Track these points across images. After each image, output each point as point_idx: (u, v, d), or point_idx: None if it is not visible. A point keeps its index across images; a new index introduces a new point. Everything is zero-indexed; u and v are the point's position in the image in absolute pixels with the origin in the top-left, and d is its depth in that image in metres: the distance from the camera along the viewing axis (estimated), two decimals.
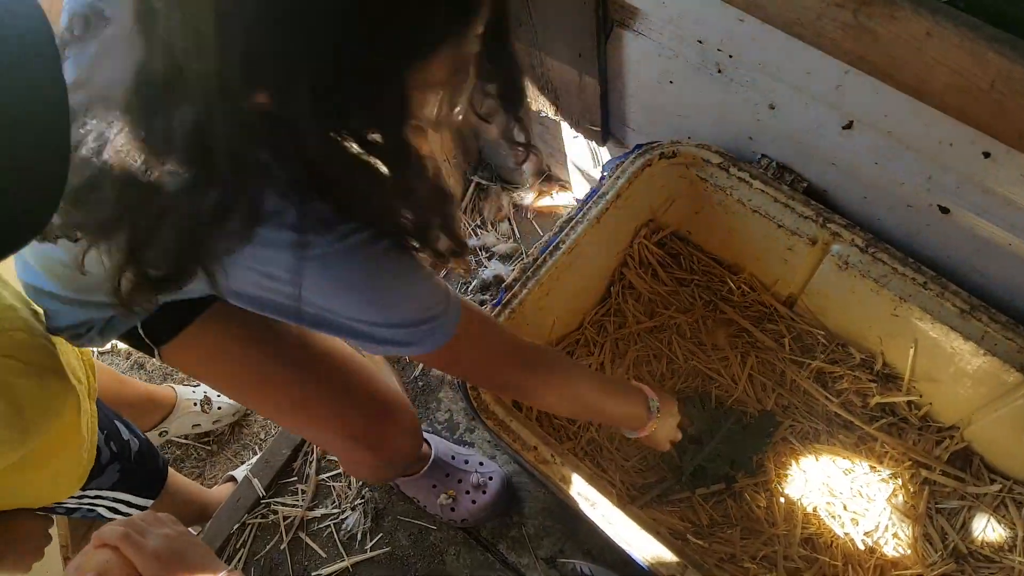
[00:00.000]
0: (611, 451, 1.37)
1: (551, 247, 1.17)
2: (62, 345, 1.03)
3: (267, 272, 0.69)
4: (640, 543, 0.99)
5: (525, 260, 1.19)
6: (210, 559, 0.82)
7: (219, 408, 1.86)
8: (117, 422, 1.32)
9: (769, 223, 1.17)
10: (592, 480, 1.08)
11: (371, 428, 1.16)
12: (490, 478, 1.51)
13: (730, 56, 1.08)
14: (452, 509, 1.50)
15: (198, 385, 1.86)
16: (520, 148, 0.78)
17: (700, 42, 1.09)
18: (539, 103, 1.45)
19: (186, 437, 1.88)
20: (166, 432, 1.80)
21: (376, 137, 0.61)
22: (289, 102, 0.55)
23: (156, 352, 1.07)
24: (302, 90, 0.54)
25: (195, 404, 1.81)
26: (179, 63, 0.54)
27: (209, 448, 1.93)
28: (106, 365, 1.69)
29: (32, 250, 0.91)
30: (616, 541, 1.00)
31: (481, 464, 1.53)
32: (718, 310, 1.38)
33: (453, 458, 1.53)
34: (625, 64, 1.23)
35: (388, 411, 1.19)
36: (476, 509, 1.49)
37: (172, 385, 1.82)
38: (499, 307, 1.17)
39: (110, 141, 0.59)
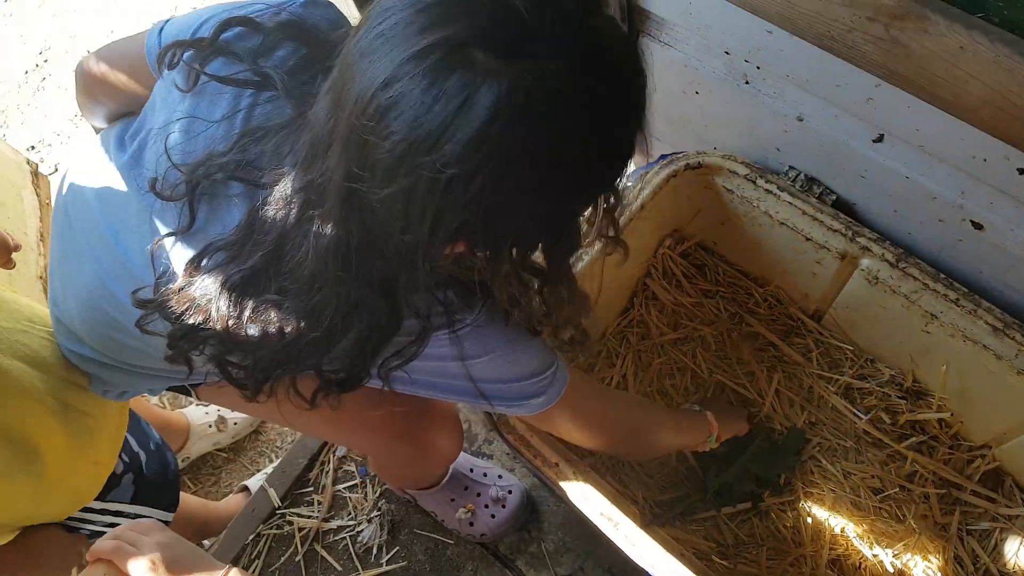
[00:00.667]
0: (633, 466, 1.38)
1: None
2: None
3: (432, 354, 0.78)
4: (664, 565, 0.99)
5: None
6: (207, 560, 0.84)
7: (235, 424, 1.86)
8: (127, 434, 1.34)
9: (797, 236, 1.17)
10: (614, 498, 1.09)
11: (413, 424, 1.17)
12: (509, 492, 1.52)
13: (758, 68, 1.08)
14: (470, 524, 1.51)
15: (208, 404, 1.86)
16: (611, 241, 0.83)
17: (727, 53, 1.10)
18: None
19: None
20: (188, 458, 1.82)
21: (541, 262, 0.71)
22: (485, 252, 0.65)
23: (192, 391, 1.10)
24: (503, 245, 0.64)
25: (210, 426, 1.82)
26: (378, 234, 0.64)
27: (225, 455, 1.95)
28: None
29: (88, 327, 0.95)
30: (639, 563, 1.01)
31: (500, 477, 1.54)
32: (744, 323, 1.39)
33: (471, 471, 1.54)
34: (650, 74, 1.23)
35: (428, 407, 1.20)
36: (495, 524, 1.49)
37: (182, 411, 1.83)
38: None
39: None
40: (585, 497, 1.05)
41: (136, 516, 1.34)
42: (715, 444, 1.23)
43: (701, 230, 1.35)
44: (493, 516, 1.50)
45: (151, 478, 1.35)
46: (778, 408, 1.36)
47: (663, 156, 1.24)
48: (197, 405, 1.88)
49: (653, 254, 1.36)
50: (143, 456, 1.34)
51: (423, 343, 0.76)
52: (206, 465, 1.97)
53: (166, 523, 1.41)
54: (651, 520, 1.30)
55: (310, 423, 1.19)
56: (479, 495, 1.52)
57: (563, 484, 1.08)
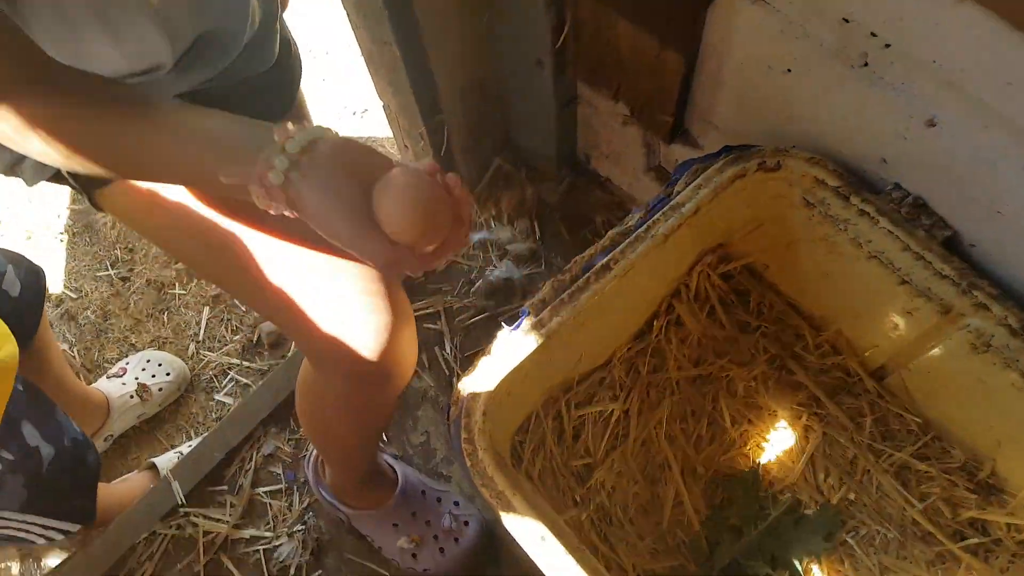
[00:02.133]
0: (623, 523, 1.07)
1: (598, 266, 0.86)
2: None
3: None
4: None
5: (559, 277, 0.88)
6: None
7: (160, 389, 1.58)
8: (24, 424, 1.02)
9: (890, 275, 0.87)
10: (594, 569, 0.80)
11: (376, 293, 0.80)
12: (465, 523, 1.21)
13: (887, 45, 0.77)
14: (413, 556, 1.20)
15: (123, 374, 1.55)
16: None
17: (846, 21, 0.78)
18: (595, 76, 1.13)
19: None
20: (111, 435, 1.53)
21: None
22: None
23: (89, 197, 0.78)
24: None
25: (132, 396, 1.54)
26: None
27: (137, 426, 1.61)
28: (59, 346, 1.39)
29: None
30: None
31: (456, 505, 1.23)
32: (785, 369, 1.08)
33: (423, 493, 1.23)
34: (729, 40, 0.91)
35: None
36: (444, 561, 1.19)
37: (97, 386, 1.53)
38: (517, 330, 0.86)
39: None
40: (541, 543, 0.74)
41: (28, 527, 1.05)
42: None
43: (755, 249, 1.03)
44: (442, 551, 1.20)
45: (52, 481, 1.04)
46: (810, 478, 1.06)
47: (727, 149, 0.93)
48: (110, 378, 1.56)
49: (688, 270, 1.04)
50: (46, 451, 1.03)
51: None
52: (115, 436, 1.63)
53: (69, 534, 1.12)
54: None
55: (239, 274, 0.79)
56: (428, 523, 1.21)
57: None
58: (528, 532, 0.78)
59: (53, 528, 1.12)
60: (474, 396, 0.84)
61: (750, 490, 1.07)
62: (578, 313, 0.85)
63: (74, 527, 1.16)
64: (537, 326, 0.85)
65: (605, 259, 0.86)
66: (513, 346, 0.85)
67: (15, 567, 1.57)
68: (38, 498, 1.04)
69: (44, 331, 1.26)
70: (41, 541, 1.12)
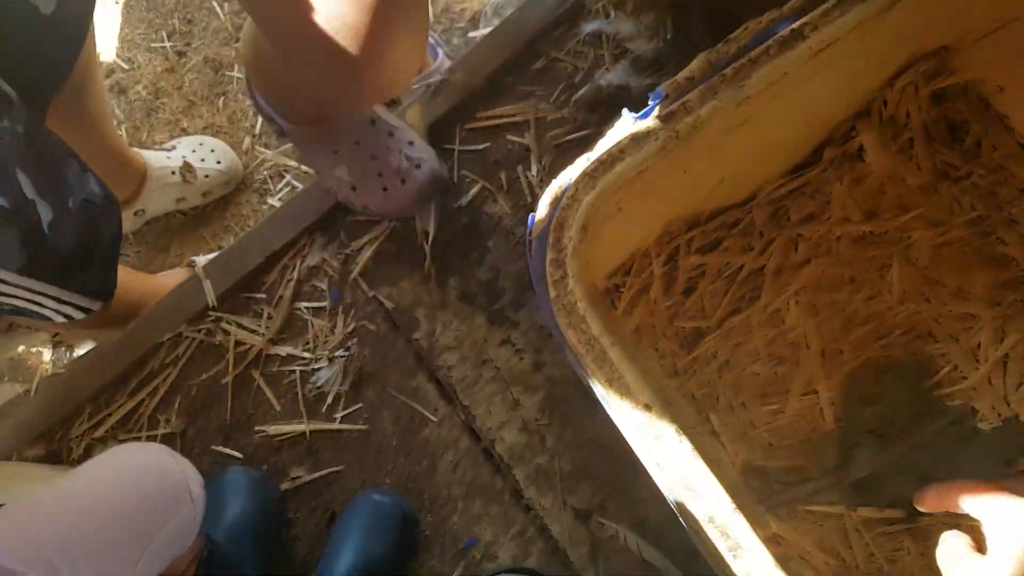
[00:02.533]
0: (731, 406, 0.83)
1: (784, 33, 0.57)
2: None
3: None
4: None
5: (720, 48, 0.60)
6: None
7: (207, 176, 1.39)
8: (19, 172, 0.82)
9: None
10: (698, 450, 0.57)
11: None
12: (418, 166, 1.02)
13: None
14: (352, 189, 1.04)
15: (172, 148, 1.36)
16: None
17: None
18: None
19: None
20: (143, 211, 1.36)
21: None
22: None
23: None
24: None
25: (173, 172, 1.36)
26: None
27: (184, 218, 1.45)
28: (103, 85, 1.20)
29: None
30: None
31: (411, 144, 1.03)
32: (993, 236, 0.79)
33: (373, 122, 1.02)
34: None
35: None
36: (383, 201, 1.03)
37: (140, 151, 1.34)
38: (645, 119, 0.59)
39: None
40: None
41: (37, 297, 0.88)
42: None
43: (990, 60, 0.71)
44: (385, 189, 1.02)
45: (56, 247, 0.86)
46: (997, 385, 0.79)
47: None
48: (156, 150, 1.38)
49: (888, 81, 0.74)
50: (44, 210, 0.84)
51: None
52: (158, 225, 1.47)
53: (89, 311, 0.96)
54: (750, 500, 0.78)
55: None
56: (374, 157, 1.02)
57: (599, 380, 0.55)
58: (625, 401, 0.55)
59: (68, 303, 0.95)
60: (571, 203, 0.59)
61: (910, 388, 0.81)
62: (742, 101, 0.57)
63: (94, 303, 0.99)
64: (678, 114, 0.58)
65: (791, 25, 0.57)
66: (636, 141, 0.59)
67: (47, 353, 1.46)
68: (41, 263, 0.86)
69: (89, 61, 1.06)
70: (59, 318, 0.95)
